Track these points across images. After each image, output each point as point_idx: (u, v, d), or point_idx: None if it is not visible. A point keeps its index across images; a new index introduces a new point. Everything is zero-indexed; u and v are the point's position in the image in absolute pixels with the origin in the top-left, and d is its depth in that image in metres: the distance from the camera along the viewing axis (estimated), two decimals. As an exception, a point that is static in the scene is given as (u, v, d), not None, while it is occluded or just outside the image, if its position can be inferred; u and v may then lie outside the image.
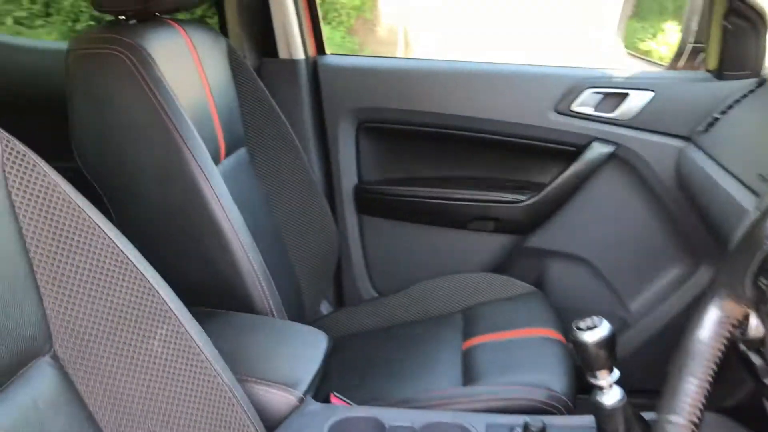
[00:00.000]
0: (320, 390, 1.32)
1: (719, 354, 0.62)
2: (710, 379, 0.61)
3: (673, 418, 0.60)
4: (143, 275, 0.75)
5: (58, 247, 0.70)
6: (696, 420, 0.60)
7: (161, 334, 0.76)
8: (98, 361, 0.72)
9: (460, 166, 1.74)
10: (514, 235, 1.70)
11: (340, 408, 1.09)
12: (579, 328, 0.90)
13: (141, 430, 0.74)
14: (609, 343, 0.89)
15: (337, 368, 1.42)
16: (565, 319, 1.72)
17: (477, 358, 1.32)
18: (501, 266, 1.71)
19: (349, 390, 1.30)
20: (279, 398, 0.90)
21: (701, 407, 0.60)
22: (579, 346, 0.89)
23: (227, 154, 1.35)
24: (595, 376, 0.91)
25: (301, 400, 0.90)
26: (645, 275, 1.67)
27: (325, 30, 1.78)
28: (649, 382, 1.02)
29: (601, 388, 0.90)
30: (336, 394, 1.19)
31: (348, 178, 1.73)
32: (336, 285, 1.80)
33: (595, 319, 0.91)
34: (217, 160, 1.30)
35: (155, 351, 0.75)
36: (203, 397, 0.77)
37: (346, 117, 1.69)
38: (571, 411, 1.13)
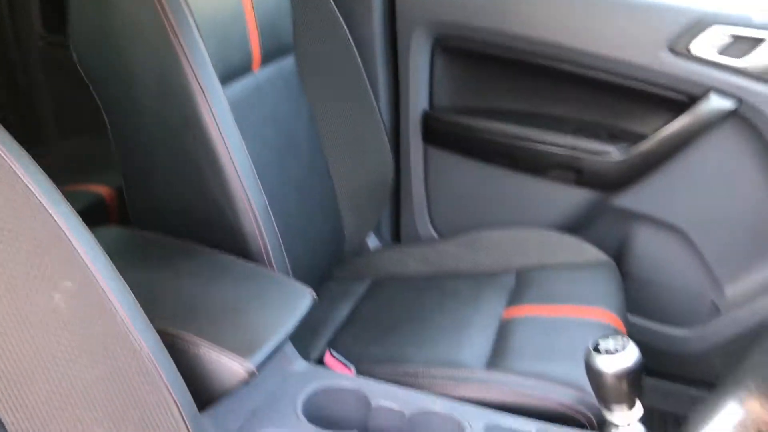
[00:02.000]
0: (318, 343, 1.19)
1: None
2: None
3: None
4: (51, 216, 0.63)
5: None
6: None
7: (68, 287, 0.64)
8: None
9: (546, 103, 1.49)
10: (598, 191, 1.45)
11: (326, 374, 0.96)
12: (597, 350, 0.71)
13: (35, 394, 0.63)
14: (634, 374, 0.70)
15: (361, 315, 1.29)
16: (644, 297, 1.49)
17: (514, 333, 1.14)
18: (577, 226, 1.48)
19: (361, 344, 1.17)
20: (225, 368, 0.77)
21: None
22: (593, 373, 0.70)
23: (265, 62, 1.20)
24: (610, 411, 0.72)
25: (252, 374, 0.77)
26: (750, 260, 1.39)
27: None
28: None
29: (616, 426, 0.71)
30: (333, 352, 1.06)
31: (417, 103, 1.52)
32: (394, 220, 1.64)
33: (622, 339, 0.71)
34: (247, 71, 1.15)
35: (57, 306, 0.63)
36: (113, 364, 0.65)
37: (422, 31, 1.47)
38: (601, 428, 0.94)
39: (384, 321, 1.25)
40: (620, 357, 0.68)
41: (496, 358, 1.09)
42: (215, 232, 0.98)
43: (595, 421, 0.96)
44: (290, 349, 0.98)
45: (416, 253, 1.44)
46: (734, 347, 1.41)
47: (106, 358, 0.66)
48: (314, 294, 0.91)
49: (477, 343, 1.14)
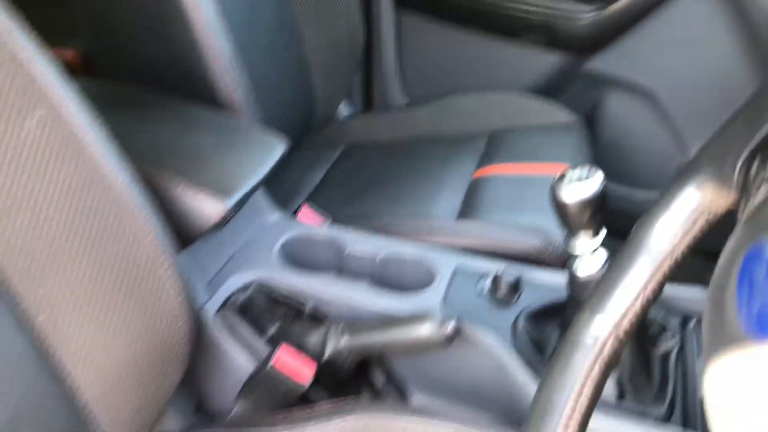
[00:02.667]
0: (295, 199, 1.21)
1: (684, 252, 0.44)
2: (664, 280, 0.44)
3: (598, 317, 0.44)
4: (18, 44, 0.62)
5: None
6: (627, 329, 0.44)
7: (39, 117, 0.64)
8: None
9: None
10: (571, 54, 1.45)
11: (299, 225, 0.98)
12: (562, 178, 0.73)
13: (12, 226, 0.64)
14: (598, 200, 0.72)
15: (334, 178, 1.30)
16: (614, 161, 1.52)
17: (483, 190, 1.16)
18: (550, 90, 1.48)
19: (335, 205, 1.19)
20: (202, 206, 0.78)
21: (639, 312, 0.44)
22: (557, 202, 0.72)
23: None
24: (575, 238, 0.74)
25: (228, 213, 0.79)
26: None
27: None
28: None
29: (580, 257, 0.74)
30: (311, 205, 1.08)
31: (388, -36, 1.48)
32: (365, 87, 1.63)
33: (589, 169, 0.73)
34: None
35: (29, 136, 0.63)
36: (86, 196, 0.66)
37: None
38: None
39: (356, 183, 1.27)
40: (585, 183, 0.70)
41: (466, 210, 1.12)
42: (181, 81, 0.97)
43: (561, 262, 1.00)
44: (266, 201, 0.99)
45: (388, 119, 1.45)
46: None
47: (81, 190, 0.66)
48: (287, 142, 0.92)
49: (447, 198, 1.16)
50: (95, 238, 0.68)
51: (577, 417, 0.42)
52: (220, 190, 0.80)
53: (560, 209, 0.72)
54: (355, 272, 0.93)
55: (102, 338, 0.69)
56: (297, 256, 0.95)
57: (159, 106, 0.92)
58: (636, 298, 0.44)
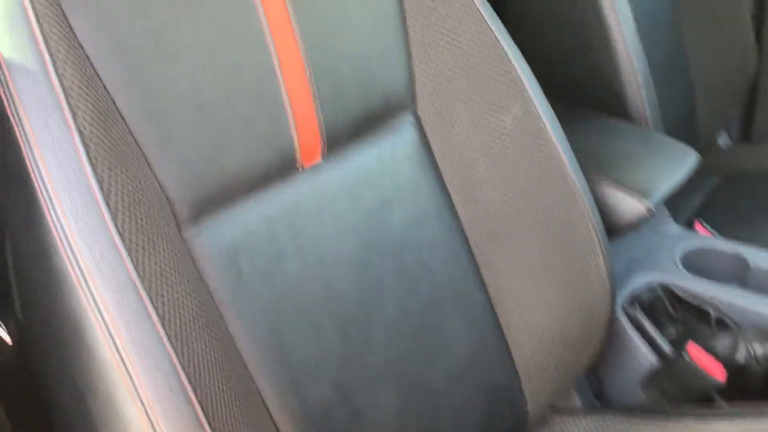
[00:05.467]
0: (685, 214, 1.23)
1: None
2: None
3: None
4: (505, 52, 0.76)
5: (432, 13, 0.74)
6: None
7: (515, 112, 0.77)
8: (454, 126, 0.77)
9: None
10: None
11: (701, 236, 1.01)
12: None
13: (483, 195, 0.78)
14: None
15: (716, 205, 1.30)
16: None
17: None
18: None
19: (725, 226, 1.19)
20: (626, 204, 0.86)
21: None
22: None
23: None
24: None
25: (650, 211, 0.86)
26: None
27: None
28: None
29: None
30: (702, 221, 1.10)
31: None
32: (746, 116, 1.59)
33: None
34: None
35: (506, 127, 0.77)
36: (544, 181, 0.78)
37: None
38: None
39: (740, 212, 1.25)
40: None
41: None
42: (597, 95, 1.07)
43: None
44: (664, 211, 1.04)
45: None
46: None
47: (535, 173, 0.78)
48: (698, 155, 0.96)
49: None
50: (545, 221, 0.79)
51: None
52: (642, 190, 0.87)
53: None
54: (761, 286, 0.93)
55: (538, 305, 0.80)
56: (698, 265, 0.98)
57: (584, 118, 1.03)
58: None
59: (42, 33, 0.46)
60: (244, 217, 0.61)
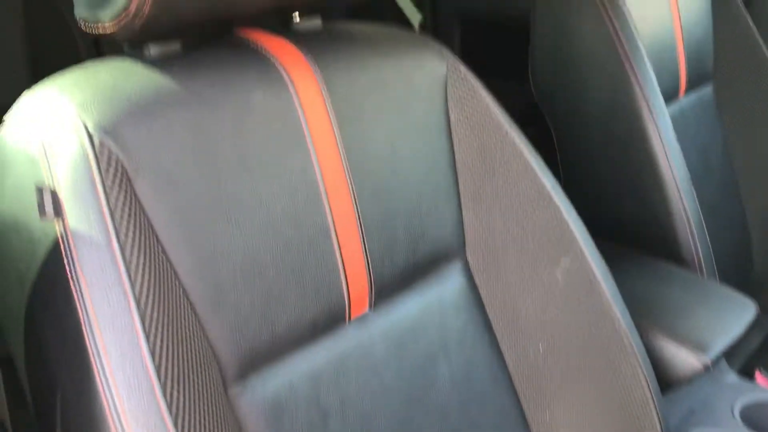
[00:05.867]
0: (742, 358, 1.18)
1: None
2: None
3: None
4: (556, 204, 0.76)
5: (482, 165, 0.75)
6: None
7: (565, 264, 0.76)
8: (503, 275, 0.76)
9: None
10: None
11: (760, 388, 0.96)
12: None
13: (533, 348, 0.76)
14: None
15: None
16: None
17: None
18: None
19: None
20: (682, 359, 0.83)
21: None
22: None
23: (689, 89, 1.25)
24: None
25: (707, 367, 0.82)
26: None
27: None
28: None
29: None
30: (763, 371, 1.05)
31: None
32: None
33: None
34: (674, 96, 1.21)
35: (556, 279, 0.76)
36: (595, 335, 0.76)
37: None
38: None
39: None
40: None
41: None
42: (649, 237, 1.05)
43: None
44: (722, 361, 1.00)
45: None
46: None
47: (586, 326, 0.76)
48: (756, 305, 0.93)
49: None
50: (597, 371, 0.76)
51: None
52: (698, 344, 0.84)
53: None
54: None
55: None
56: (758, 420, 0.93)
57: (634, 261, 1.01)
58: None
59: (108, 203, 0.48)
60: (289, 373, 0.60)
